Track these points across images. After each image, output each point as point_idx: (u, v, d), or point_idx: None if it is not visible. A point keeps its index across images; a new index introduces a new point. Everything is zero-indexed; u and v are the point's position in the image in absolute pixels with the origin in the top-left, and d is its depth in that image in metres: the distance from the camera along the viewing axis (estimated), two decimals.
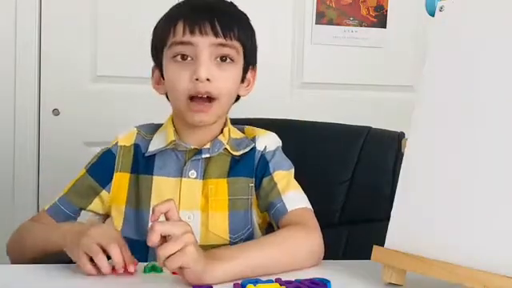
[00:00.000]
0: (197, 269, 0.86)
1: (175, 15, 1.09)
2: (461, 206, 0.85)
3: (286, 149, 1.17)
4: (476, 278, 0.79)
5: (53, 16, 2.11)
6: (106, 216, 1.15)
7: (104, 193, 1.13)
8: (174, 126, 1.13)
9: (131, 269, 0.92)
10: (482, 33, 0.89)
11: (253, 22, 1.13)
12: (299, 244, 1.00)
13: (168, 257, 0.84)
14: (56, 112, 2.14)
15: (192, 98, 1.06)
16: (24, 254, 1.05)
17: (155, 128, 1.17)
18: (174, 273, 0.90)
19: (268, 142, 1.15)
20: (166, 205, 0.89)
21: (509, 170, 0.81)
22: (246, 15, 1.14)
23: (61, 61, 2.12)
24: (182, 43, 1.06)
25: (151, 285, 0.91)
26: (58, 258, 0.98)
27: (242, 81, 1.14)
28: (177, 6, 1.13)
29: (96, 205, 1.13)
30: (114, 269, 0.92)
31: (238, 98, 1.15)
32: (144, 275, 0.94)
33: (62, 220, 1.11)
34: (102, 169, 1.14)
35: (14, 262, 1.07)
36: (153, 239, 0.85)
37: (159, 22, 1.14)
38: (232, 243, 1.09)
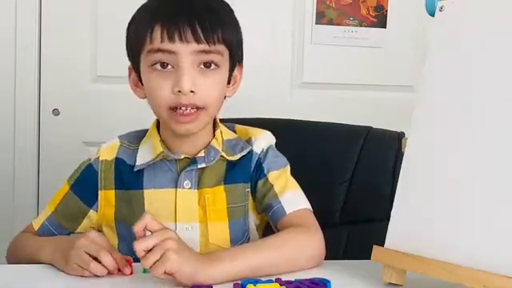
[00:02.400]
0: (187, 271, 0.86)
1: (151, 16, 1.00)
2: (461, 206, 0.85)
3: (287, 148, 1.17)
4: (476, 278, 0.79)
5: (53, 16, 2.11)
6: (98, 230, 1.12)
7: (92, 213, 1.09)
8: (160, 135, 1.08)
9: (127, 271, 0.93)
10: (482, 33, 0.89)
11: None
12: (301, 246, 0.99)
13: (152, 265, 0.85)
14: (56, 112, 2.14)
15: (175, 109, 0.99)
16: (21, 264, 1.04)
17: (139, 136, 1.11)
18: None
19: (264, 143, 1.11)
20: (142, 222, 0.88)
21: (509, 170, 0.81)
22: (228, 6, 1.05)
23: (61, 61, 2.12)
24: (160, 51, 0.98)
25: (151, 285, 0.91)
26: None
27: (229, 82, 1.07)
28: (152, 2, 1.04)
29: (85, 225, 1.10)
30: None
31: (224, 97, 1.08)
32: (144, 275, 0.94)
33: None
34: (85, 186, 1.09)
35: None
36: (141, 256, 0.86)
37: (134, 19, 1.05)
38: None
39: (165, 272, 0.85)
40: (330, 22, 2.24)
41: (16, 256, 1.07)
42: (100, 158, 1.10)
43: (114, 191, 1.08)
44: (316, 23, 2.23)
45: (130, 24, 1.06)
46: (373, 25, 2.26)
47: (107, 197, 1.09)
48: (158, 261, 0.85)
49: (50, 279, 0.93)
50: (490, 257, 0.80)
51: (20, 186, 2.13)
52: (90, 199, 1.09)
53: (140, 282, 0.92)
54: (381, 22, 2.27)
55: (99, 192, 1.09)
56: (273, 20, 2.21)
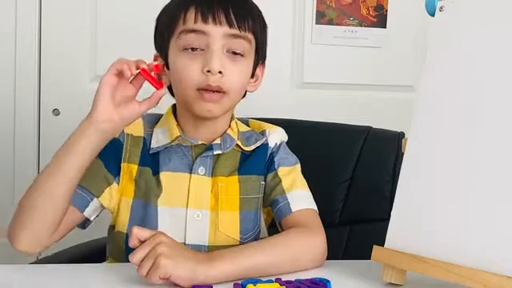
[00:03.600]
0: (182, 273, 0.86)
1: (186, 1, 1.03)
2: (461, 206, 0.85)
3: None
4: (476, 278, 0.79)
5: (53, 16, 2.11)
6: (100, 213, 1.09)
7: (114, 185, 1.07)
8: (177, 120, 1.10)
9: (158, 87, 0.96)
10: (481, 33, 0.89)
11: None
12: (304, 247, 0.99)
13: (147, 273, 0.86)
14: (56, 112, 2.14)
15: (202, 90, 1.01)
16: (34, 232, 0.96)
17: (155, 120, 1.13)
18: None
19: (278, 138, 1.14)
20: (133, 236, 0.88)
21: (509, 170, 0.81)
22: (258, 8, 1.11)
23: (61, 61, 2.12)
24: (193, 31, 1.01)
25: (151, 285, 0.90)
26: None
27: (252, 76, 1.11)
28: None
29: (105, 196, 1.06)
30: (144, 70, 0.96)
31: (244, 93, 1.11)
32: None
33: (75, 202, 1.02)
34: (111, 158, 1.07)
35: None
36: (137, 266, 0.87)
37: (166, 7, 1.09)
38: (242, 243, 1.05)
39: (161, 277, 0.85)
40: (330, 22, 2.24)
41: (29, 195, 0.96)
42: (125, 131, 1.10)
43: (137, 167, 1.08)
44: (316, 23, 2.23)
45: (162, 11, 1.10)
46: (373, 25, 2.26)
47: (130, 170, 1.08)
48: (151, 268, 0.85)
49: (51, 279, 0.93)
50: (490, 257, 0.80)
51: (20, 186, 2.12)
52: (114, 170, 1.08)
53: (140, 282, 0.92)
54: (381, 21, 2.27)
55: (122, 164, 1.08)
56: (273, 20, 2.20)
